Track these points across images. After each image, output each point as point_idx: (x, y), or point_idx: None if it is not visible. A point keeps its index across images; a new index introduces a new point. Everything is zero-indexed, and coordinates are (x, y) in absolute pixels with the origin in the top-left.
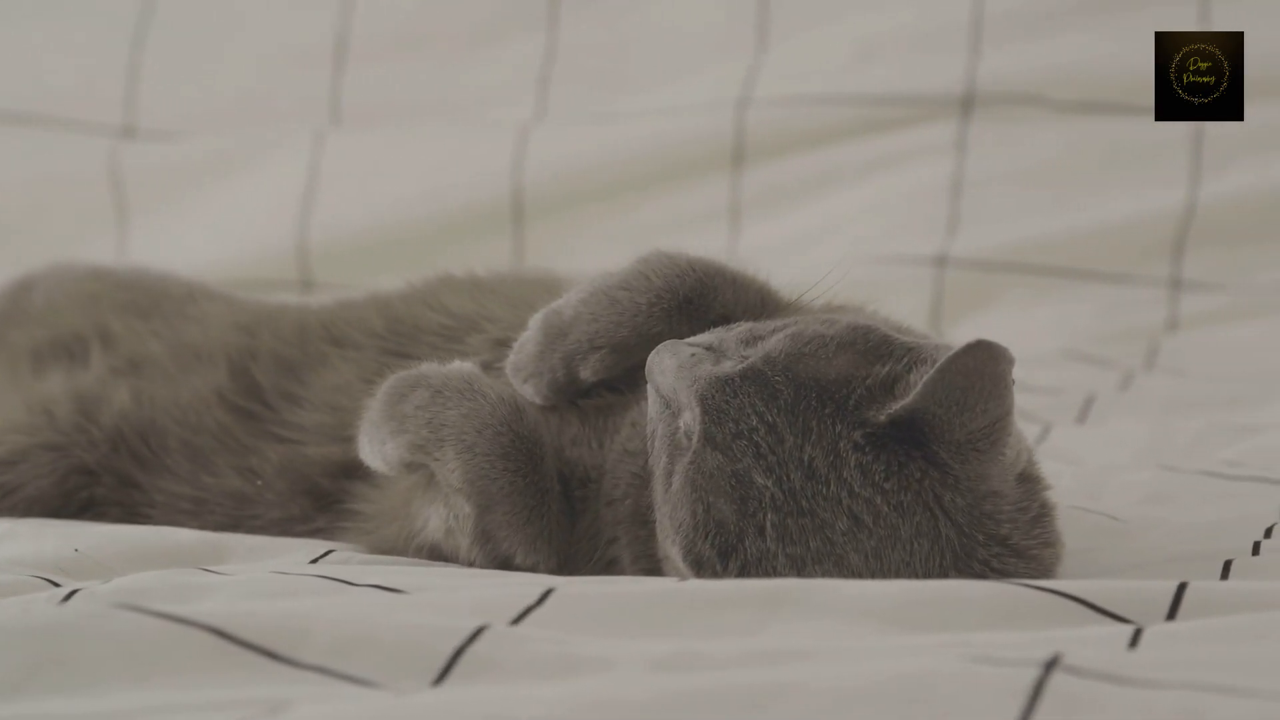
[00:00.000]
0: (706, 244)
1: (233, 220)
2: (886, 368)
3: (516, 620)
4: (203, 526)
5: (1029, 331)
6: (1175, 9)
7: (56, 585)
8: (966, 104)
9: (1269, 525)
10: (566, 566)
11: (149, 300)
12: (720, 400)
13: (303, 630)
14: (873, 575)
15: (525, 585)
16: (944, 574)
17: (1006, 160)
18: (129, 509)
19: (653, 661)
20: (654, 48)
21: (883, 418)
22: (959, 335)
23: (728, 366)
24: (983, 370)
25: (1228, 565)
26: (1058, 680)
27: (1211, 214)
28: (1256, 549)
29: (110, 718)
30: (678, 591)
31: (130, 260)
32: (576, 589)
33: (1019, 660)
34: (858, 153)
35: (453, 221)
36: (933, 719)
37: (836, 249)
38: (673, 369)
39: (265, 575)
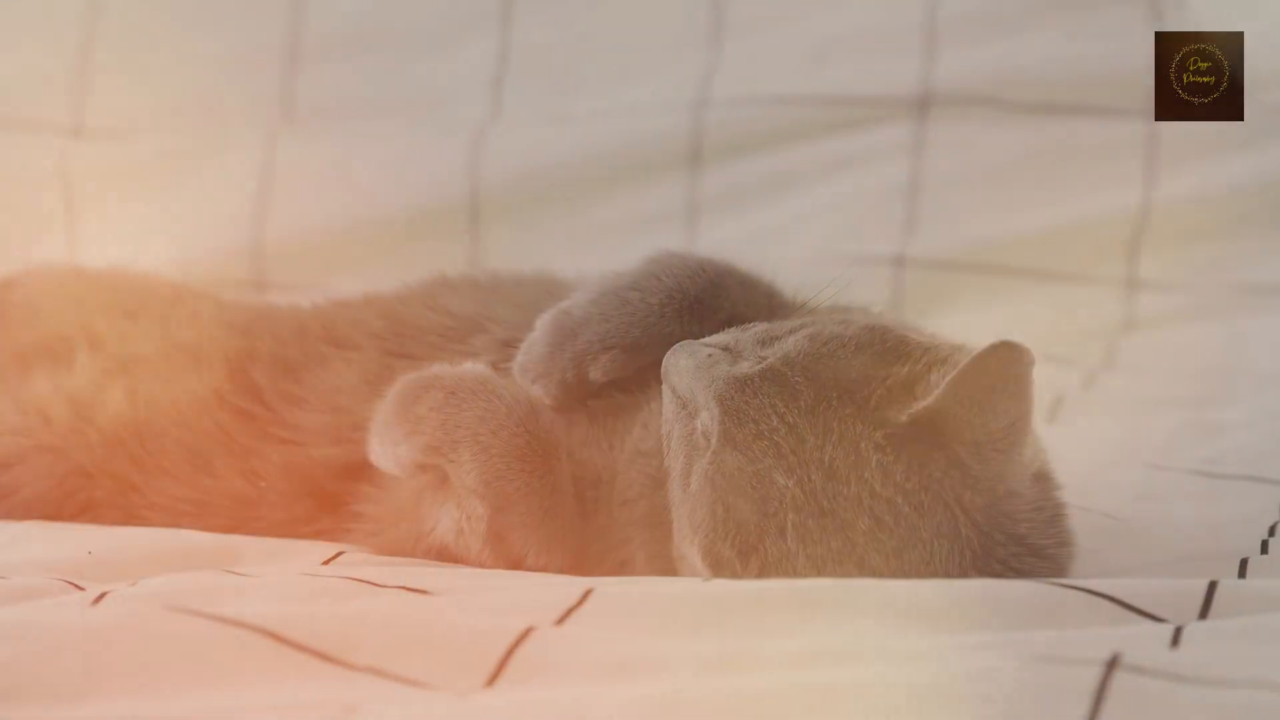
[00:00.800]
0: (664, 244)
1: (185, 221)
2: (905, 368)
3: (560, 620)
4: (204, 528)
5: (987, 331)
6: (1128, 9)
7: (81, 589)
8: (923, 105)
9: (1271, 524)
10: (578, 567)
11: (135, 300)
12: (740, 401)
13: (354, 631)
14: (893, 575)
15: (564, 586)
16: (963, 573)
17: (963, 161)
18: (128, 511)
19: (705, 662)
20: (609, 48)
21: (904, 418)
22: None
23: (745, 367)
24: (1005, 371)
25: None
26: (1120, 679)
27: (1167, 215)
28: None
29: None
30: (714, 591)
31: (80, 261)
32: (615, 589)
33: (1079, 659)
34: (815, 153)
35: (409, 222)
36: (1003, 717)
37: (794, 249)
38: (689, 369)
39: (295, 577)
